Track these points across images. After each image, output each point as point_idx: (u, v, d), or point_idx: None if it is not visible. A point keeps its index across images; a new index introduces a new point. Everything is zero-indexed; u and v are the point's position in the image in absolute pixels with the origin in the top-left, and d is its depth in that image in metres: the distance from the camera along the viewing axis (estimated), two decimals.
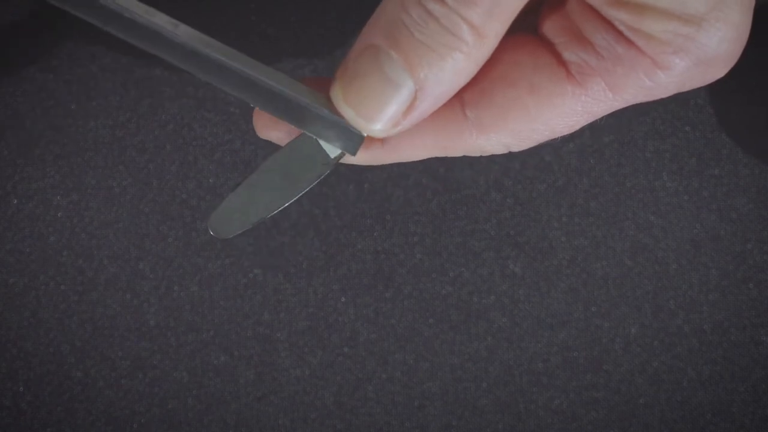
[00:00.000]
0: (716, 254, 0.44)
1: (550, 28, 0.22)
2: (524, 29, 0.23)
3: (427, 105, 0.21)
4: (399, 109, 0.21)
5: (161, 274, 0.44)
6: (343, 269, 0.44)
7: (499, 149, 0.23)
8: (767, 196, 0.45)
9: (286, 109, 0.21)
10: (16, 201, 0.45)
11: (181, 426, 0.43)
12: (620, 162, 0.45)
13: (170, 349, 0.44)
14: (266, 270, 0.44)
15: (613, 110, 0.22)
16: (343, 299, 0.44)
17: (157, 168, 0.45)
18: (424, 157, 0.24)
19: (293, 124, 0.22)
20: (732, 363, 0.44)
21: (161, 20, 0.20)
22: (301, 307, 0.44)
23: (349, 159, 0.23)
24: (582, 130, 0.40)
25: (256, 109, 0.22)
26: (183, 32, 0.20)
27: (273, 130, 0.23)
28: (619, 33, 0.21)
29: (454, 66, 0.20)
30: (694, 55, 0.21)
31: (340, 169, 0.45)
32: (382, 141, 0.23)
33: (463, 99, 0.22)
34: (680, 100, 0.45)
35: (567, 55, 0.22)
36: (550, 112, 0.22)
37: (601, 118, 0.23)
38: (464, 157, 0.24)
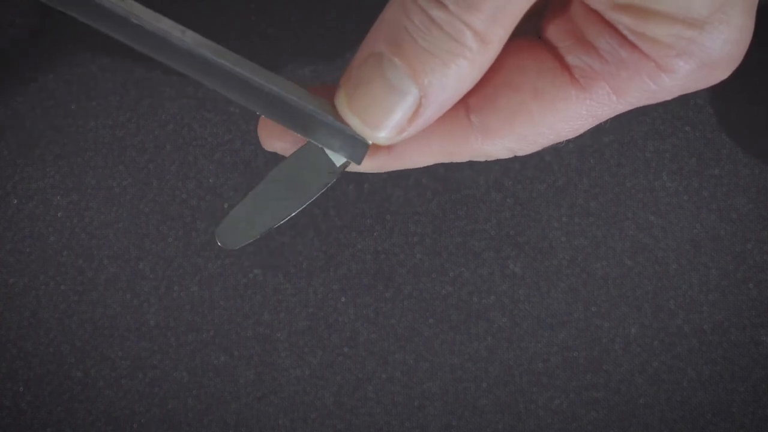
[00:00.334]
0: (716, 254, 0.44)
1: (554, 32, 0.22)
2: (528, 33, 0.23)
3: (432, 112, 0.21)
4: (404, 117, 0.21)
5: (161, 274, 0.44)
6: (343, 269, 0.44)
7: (505, 154, 0.24)
8: (767, 196, 0.45)
9: (291, 117, 0.21)
10: (16, 201, 0.45)
11: (181, 426, 0.43)
12: (620, 162, 0.45)
13: (170, 349, 0.44)
14: (266, 270, 0.45)
15: (618, 113, 0.22)
16: (343, 299, 0.44)
17: (157, 168, 0.45)
18: (430, 163, 0.24)
19: (298, 132, 0.22)
20: (732, 363, 0.44)
21: (167, 26, 0.20)
22: (301, 307, 0.44)
23: (354, 166, 0.23)
24: None
25: (261, 120, 0.22)
26: (190, 38, 0.20)
27: (278, 140, 0.23)
28: (623, 37, 0.21)
29: (458, 72, 0.20)
30: (698, 57, 0.21)
31: None
32: (389, 148, 0.23)
33: (468, 104, 0.22)
34: (680, 100, 0.45)
35: (571, 59, 0.22)
36: (555, 117, 0.22)
37: (606, 121, 0.23)
38: None
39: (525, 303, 0.44)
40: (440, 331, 0.44)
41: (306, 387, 0.44)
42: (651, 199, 0.45)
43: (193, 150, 0.46)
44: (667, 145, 0.46)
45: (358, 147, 0.22)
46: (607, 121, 0.23)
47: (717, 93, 0.45)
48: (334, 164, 0.23)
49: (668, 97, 0.22)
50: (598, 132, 0.46)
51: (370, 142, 0.22)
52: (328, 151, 0.22)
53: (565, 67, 0.22)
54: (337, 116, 0.21)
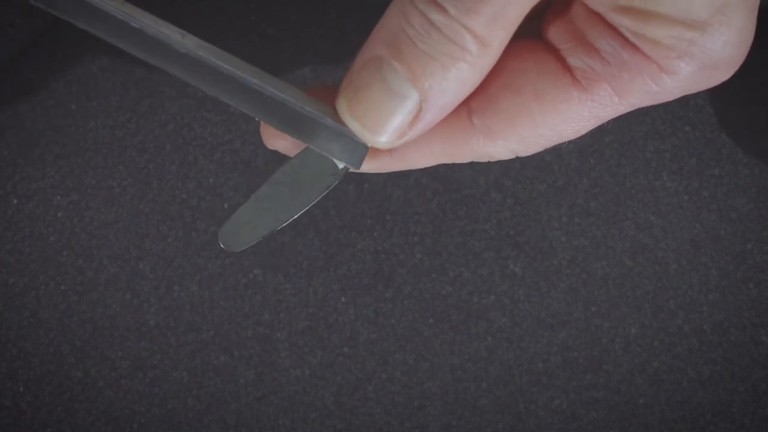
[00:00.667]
0: (716, 254, 0.44)
1: (555, 33, 0.22)
2: (529, 35, 0.23)
3: (432, 115, 0.21)
4: (404, 121, 0.21)
5: (161, 274, 0.44)
6: (343, 269, 0.44)
7: (507, 155, 0.24)
8: (767, 196, 0.45)
9: (290, 121, 0.21)
10: (16, 201, 0.45)
11: (181, 426, 0.43)
12: (620, 162, 0.45)
13: (170, 349, 0.44)
14: (266, 270, 0.45)
15: (619, 114, 0.22)
16: (343, 299, 0.44)
17: (157, 168, 0.45)
18: (432, 164, 0.24)
19: (297, 136, 0.22)
20: (732, 363, 0.44)
21: (166, 29, 0.20)
22: (301, 307, 0.44)
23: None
24: None
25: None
26: (190, 41, 0.20)
27: (281, 139, 0.23)
28: (624, 38, 0.21)
29: (459, 76, 0.20)
30: (699, 59, 0.21)
31: None
32: (390, 149, 0.23)
33: (469, 106, 0.22)
34: (680, 100, 0.45)
35: (572, 60, 0.22)
36: (556, 118, 0.22)
37: (608, 122, 0.23)
38: None
39: (525, 303, 0.44)
40: (440, 331, 0.44)
41: (306, 387, 0.44)
42: (651, 199, 0.45)
43: (193, 150, 0.46)
44: (667, 145, 0.46)
45: (357, 151, 0.22)
46: (609, 121, 0.23)
47: (717, 93, 0.45)
48: (336, 166, 0.22)
49: (670, 98, 0.22)
50: (598, 132, 0.46)
51: (369, 146, 0.22)
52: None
53: (567, 68, 0.22)
54: (337, 119, 0.21)
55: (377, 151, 0.23)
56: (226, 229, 0.23)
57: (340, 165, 0.22)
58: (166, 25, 0.20)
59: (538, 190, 0.45)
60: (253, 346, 0.44)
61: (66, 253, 0.45)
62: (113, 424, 0.43)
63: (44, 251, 0.45)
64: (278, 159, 0.45)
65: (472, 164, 0.45)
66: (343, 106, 0.21)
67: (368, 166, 0.23)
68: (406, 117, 0.21)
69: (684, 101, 0.46)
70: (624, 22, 0.21)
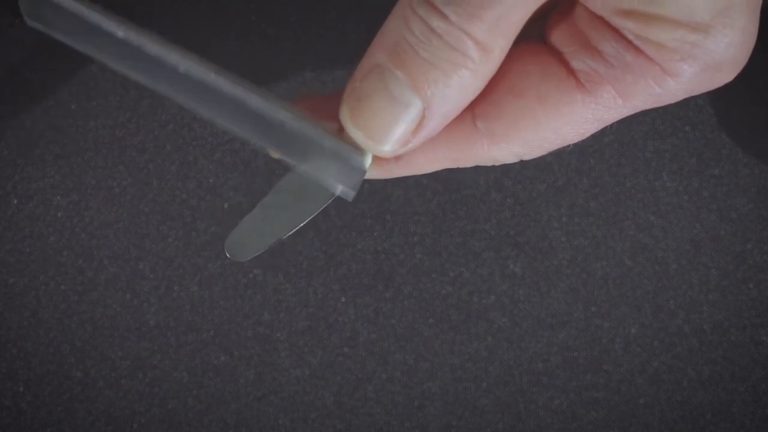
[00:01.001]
0: (716, 254, 0.44)
1: (558, 37, 0.22)
2: (532, 38, 0.23)
3: (436, 123, 0.21)
4: (407, 129, 0.21)
5: (161, 274, 0.44)
6: (343, 269, 0.44)
7: (511, 159, 0.24)
8: (767, 196, 0.45)
9: (286, 141, 0.21)
10: (16, 201, 0.45)
11: (181, 426, 0.43)
12: (620, 162, 0.45)
13: (170, 349, 0.44)
14: (266, 270, 0.45)
15: (624, 116, 0.22)
16: (343, 299, 0.44)
17: (157, 168, 0.45)
18: (437, 169, 0.24)
19: (292, 158, 0.21)
20: (732, 363, 0.44)
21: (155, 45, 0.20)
22: (301, 307, 0.44)
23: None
24: None
25: None
26: (188, 62, 0.20)
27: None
28: (628, 41, 0.21)
29: (461, 83, 0.20)
30: (702, 61, 0.21)
31: None
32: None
33: (473, 111, 0.22)
34: (680, 100, 0.45)
35: (575, 63, 0.22)
36: (560, 121, 0.22)
37: (612, 124, 0.23)
38: None
39: (525, 303, 0.44)
40: (440, 331, 0.44)
41: (306, 387, 0.44)
42: (651, 199, 0.45)
43: (193, 150, 0.46)
44: (667, 145, 0.46)
45: (355, 175, 0.21)
46: (613, 124, 0.23)
47: (717, 93, 0.44)
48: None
49: (673, 100, 0.22)
50: (598, 132, 0.46)
51: (366, 169, 0.22)
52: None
53: (570, 71, 0.22)
54: (336, 140, 0.21)
55: (382, 157, 0.23)
56: (232, 239, 0.23)
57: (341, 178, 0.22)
58: (153, 42, 0.20)
59: (538, 190, 0.45)
60: (253, 346, 0.44)
61: (66, 253, 0.45)
62: (113, 424, 0.43)
63: (44, 251, 0.45)
64: (278, 159, 0.45)
65: (474, 166, 0.45)
66: (345, 116, 0.21)
67: (373, 173, 0.23)
68: (410, 125, 0.21)
69: (684, 101, 0.45)
70: (627, 25, 0.21)
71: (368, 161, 0.21)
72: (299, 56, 0.46)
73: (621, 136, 0.45)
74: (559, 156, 0.45)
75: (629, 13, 0.20)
